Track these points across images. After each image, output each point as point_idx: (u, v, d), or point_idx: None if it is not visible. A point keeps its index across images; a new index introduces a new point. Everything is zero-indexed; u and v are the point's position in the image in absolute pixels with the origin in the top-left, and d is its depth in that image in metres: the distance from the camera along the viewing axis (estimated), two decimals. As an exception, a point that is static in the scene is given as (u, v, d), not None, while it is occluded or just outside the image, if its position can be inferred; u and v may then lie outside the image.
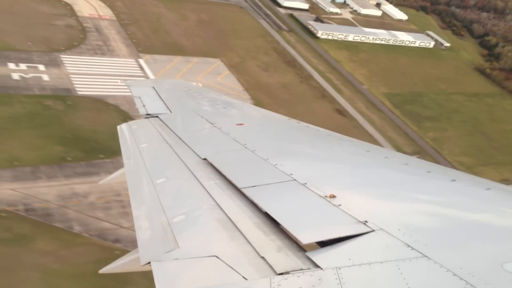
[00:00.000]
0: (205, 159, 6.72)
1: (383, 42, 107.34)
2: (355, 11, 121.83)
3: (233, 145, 7.12)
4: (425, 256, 3.72)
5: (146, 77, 61.52)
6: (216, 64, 73.24)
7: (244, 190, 5.40)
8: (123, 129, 9.05)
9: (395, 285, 3.43)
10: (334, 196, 4.91)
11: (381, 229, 4.21)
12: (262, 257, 4.15)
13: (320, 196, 5.00)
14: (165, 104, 9.95)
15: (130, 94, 11.02)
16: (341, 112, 74.23)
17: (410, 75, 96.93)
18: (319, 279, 3.61)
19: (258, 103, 66.77)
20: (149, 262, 4.44)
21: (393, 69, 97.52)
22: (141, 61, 65.13)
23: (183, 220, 5.20)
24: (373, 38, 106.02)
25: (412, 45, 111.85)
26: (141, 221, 5.47)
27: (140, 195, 6.18)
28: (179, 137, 7.91)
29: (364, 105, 78.84)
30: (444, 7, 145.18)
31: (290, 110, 67.29)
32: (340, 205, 4.74)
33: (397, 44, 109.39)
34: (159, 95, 10.55)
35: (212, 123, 8.36)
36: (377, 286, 3.51)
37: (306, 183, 5.35)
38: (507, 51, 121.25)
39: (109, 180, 8.43)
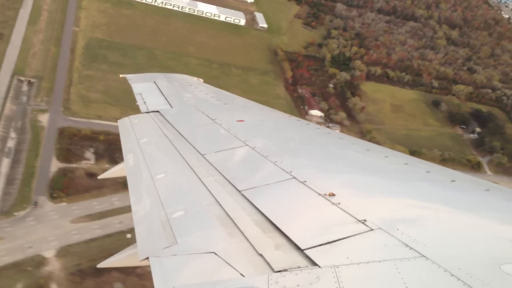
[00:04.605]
0: (204, 155, 6.84)
1: (175, 9, 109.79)
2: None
3: (234, 141, 7.20)
4: (423, 256, 3.73)
5: None
6: None
7: (243, 193, 5.45)
8: (123, 123, 9.08)
9: (393, 285, 3.45)
10: (333, 195, 4.95)
11: (380, 228, 4.23)
12: (260, 255, 4.18)
13: (319, 195, 5.04)
14: (166, 99, 10.12)
15: None
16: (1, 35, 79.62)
17: (162, 36, 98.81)
18: (317, 277, 3.65)
19: None
20: (148, 258, 4.55)
21: (146, 27, 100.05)
22: None
23: (182, 216, 5.27)
24: (162, 2, 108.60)
25: (216, 18, 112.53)
26: (140, 216, 5.57)
27: (140, 190, 6.30)
28: (179, 133, 8.01)
29: (45, 38, 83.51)
30: (328, 2, 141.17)
31: None
32: (339, 203, 4.80)
33: (193, 13, 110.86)
34: (160, 90, 10.74)
35: (212, 119, 8.45)
36: (374, 285, 3.55)
37: (305, 181, 5.40)
38: (333, 42, 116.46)
39: (109, 174, 8.49)
